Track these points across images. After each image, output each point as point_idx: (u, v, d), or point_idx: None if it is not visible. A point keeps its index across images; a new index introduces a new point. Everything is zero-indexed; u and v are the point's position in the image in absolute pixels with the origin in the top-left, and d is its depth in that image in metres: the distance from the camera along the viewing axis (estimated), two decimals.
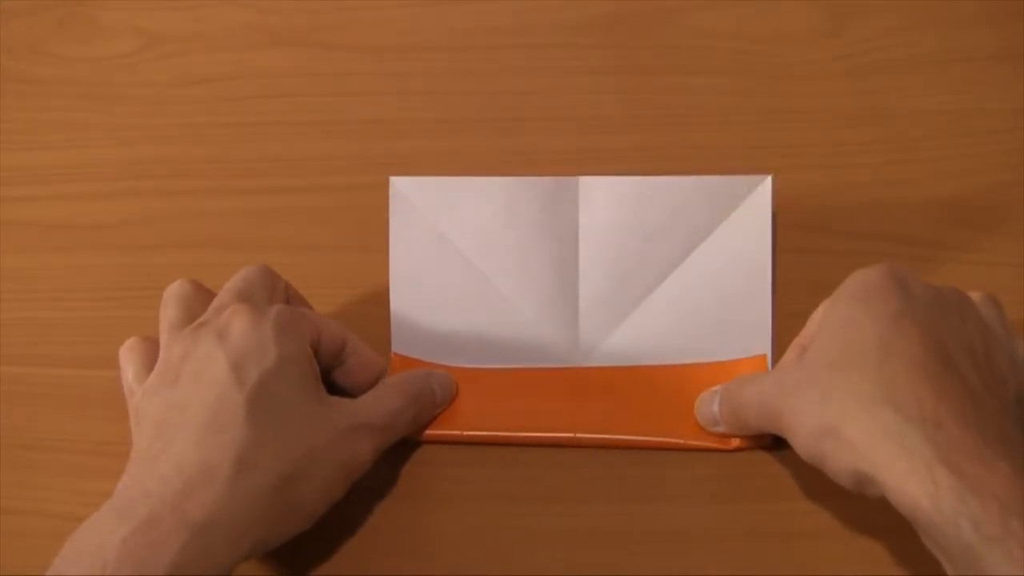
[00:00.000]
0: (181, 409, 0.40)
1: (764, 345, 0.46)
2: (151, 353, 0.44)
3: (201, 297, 0.45)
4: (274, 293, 0.46)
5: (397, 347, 0.48)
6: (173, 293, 0.45)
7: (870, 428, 0.36)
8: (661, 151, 0.53)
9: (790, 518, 0.44)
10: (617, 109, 0.55)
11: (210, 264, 0.52)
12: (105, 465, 0.48)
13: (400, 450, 0.46)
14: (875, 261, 0.48)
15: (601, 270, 0.47)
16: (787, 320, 0.46)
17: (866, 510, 0.42)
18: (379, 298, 0.50)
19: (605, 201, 0.47)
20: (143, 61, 0.59)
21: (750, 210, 0.47)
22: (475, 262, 0.48)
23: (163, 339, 0.44)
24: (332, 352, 0.45)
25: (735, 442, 0.44)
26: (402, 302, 0.48)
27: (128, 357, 0.44)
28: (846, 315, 0.39)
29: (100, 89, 0.59)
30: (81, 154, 0.57)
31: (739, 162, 0.52)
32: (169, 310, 0.44)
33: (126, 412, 0.49)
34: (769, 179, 0.47)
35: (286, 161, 0.55)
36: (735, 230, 0.47)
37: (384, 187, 0.53)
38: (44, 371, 0.51)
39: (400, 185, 0.48)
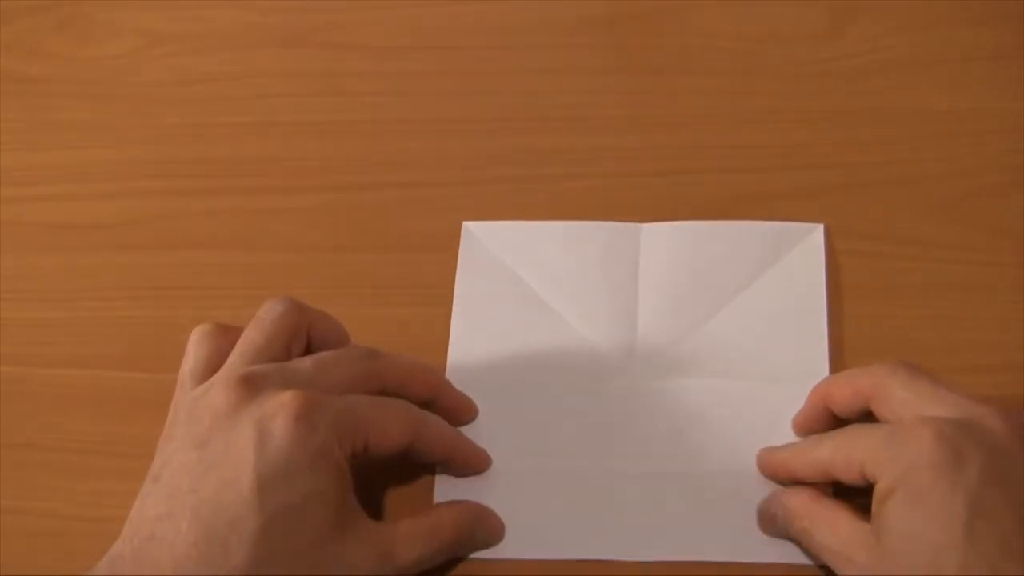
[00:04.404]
0: (196, 492, 0.38)
1: (819, 372, 0.46)
2: (221, 351, 0.42)
3: (293, 325, 0.43)
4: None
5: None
6: (266, 310, 0.43)
7: None
8: (661, 151, 0.53)
9: None
10: (617, 109, 0.55)
11: (210, 264, 0.52)
12: (105, 465, 0.48)
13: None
14: (875, 261, 0.49)
15: (658, 299, 0.49)
16: None
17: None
18: (377, 299, 0.50)
19: (663, 242, 0.50)
20: (143, 61, 0.59)
21: (802, 255, 0.49)
22: (538, 292, 0.49)
23: (227, 362, 0.41)
24: (392, 450, 0.41)
25: None
26: (463, 331, 0.49)
27: (195, 347, 0.42)
28: (910, 528, 0.37)
29: (100, 89, 0.59)
30: (81, 154, 0.57)
31: (739, 162, 0.52)
32: (251, 332, 0.42)
33: (126, 412, 0.49)
34: (821, 228, 0.49)
35: (286, 161, 0.55)
36: (787, 272, 0.49)
37: (382, 188, 0.54)
38: (44, 371, 0.51)
39: (472, 228, 0.51)
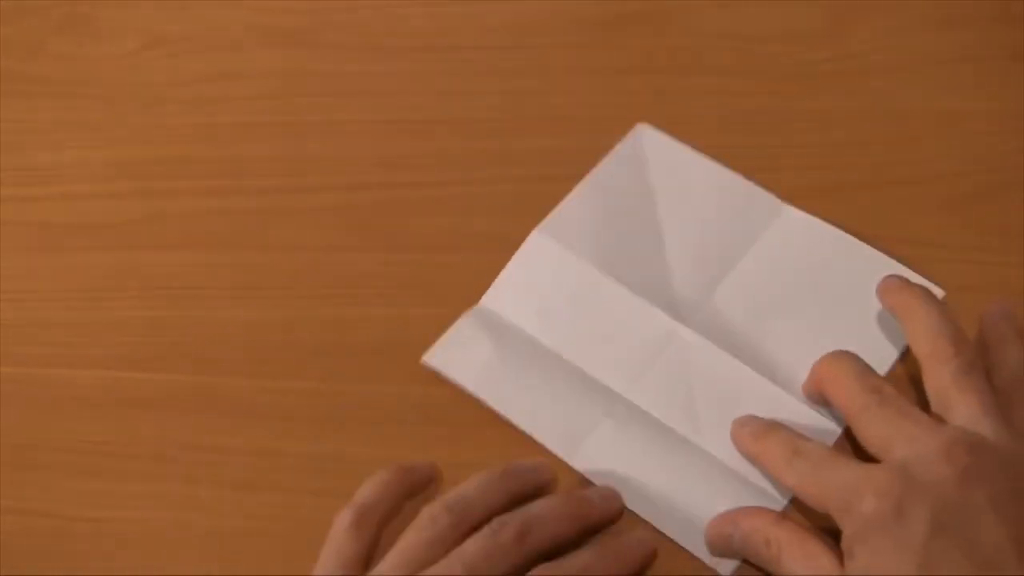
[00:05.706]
0: None
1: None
2: (370, 546, 0.41)
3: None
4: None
5: (492, 298, 0.49)
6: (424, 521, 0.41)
7: None
8: None
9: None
10: (617, 109, 0.55)
11: (210, 264, 0.52)
12: (105, 465, 0.48)
13: (398, 449, 0.46)
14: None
15: (752, 278, 0.49)
16: None
17: None
18: (377, 299, 0.50)
19: (791, 228, 0.50)
20: (143, 61, 0.59)
21: None
22: (658, 212, 0.51)
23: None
24: None
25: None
26: (568, 212, 0.51)
27: (342, 542, 0.40)
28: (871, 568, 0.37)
29: (100, 89, 0.59)
30: (81, 154, 0.57)
31: (739, 162, 0.52)
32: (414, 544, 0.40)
33: (126, 412, 0.49)
34: (940, 293, 0.46)
35: (286, 161, 0.55)
36: (882, 311, 0.46)
37: (382, 188, 0.54)
38: (44, 371, 0.51)
39: (642, 131, 0.53)
